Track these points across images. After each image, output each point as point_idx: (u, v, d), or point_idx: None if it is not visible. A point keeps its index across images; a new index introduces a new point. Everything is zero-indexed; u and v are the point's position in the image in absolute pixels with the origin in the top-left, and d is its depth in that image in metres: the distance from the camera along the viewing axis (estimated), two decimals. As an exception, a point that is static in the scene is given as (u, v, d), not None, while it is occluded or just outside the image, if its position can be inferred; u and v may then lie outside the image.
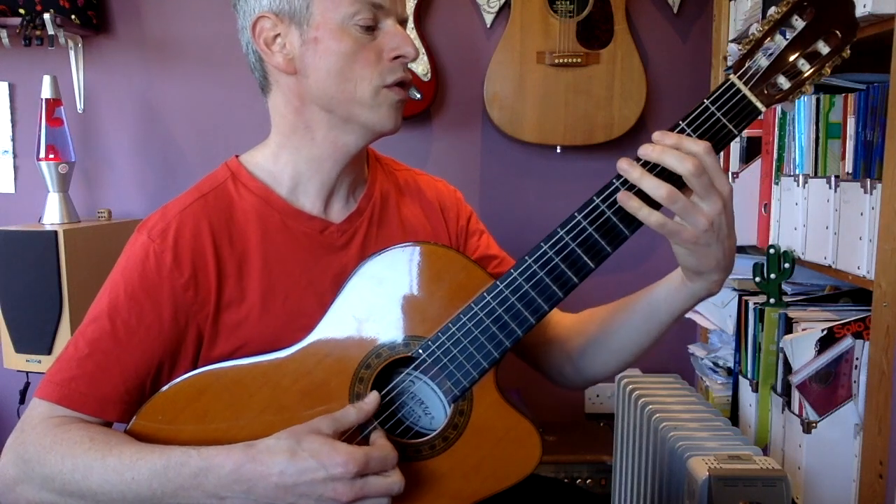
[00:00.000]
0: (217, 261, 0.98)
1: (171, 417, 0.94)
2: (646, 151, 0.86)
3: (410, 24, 2.17)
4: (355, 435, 0.92)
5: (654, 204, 0.86)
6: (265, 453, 0.86)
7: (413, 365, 0.94)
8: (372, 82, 0.98)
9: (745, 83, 0.88)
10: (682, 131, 0.88)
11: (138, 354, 0.96)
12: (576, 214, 0.89)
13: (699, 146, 0.85)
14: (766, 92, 0.88)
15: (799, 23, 0.88)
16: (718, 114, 0.87)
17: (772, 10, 0.90)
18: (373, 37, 0.98)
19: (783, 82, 0.89)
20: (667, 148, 0.86)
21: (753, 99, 0.88)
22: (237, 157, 1.07)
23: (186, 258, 0.97)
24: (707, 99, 0.88)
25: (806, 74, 0.89)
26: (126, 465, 0.88)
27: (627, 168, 0.86)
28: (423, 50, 2.19)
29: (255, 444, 0.88)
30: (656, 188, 0.85)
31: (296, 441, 0.86)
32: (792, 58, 0.88)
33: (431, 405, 0.97)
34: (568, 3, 2.11)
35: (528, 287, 0.90)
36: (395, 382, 0.96)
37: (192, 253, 0.97)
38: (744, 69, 0.88)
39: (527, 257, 0.91)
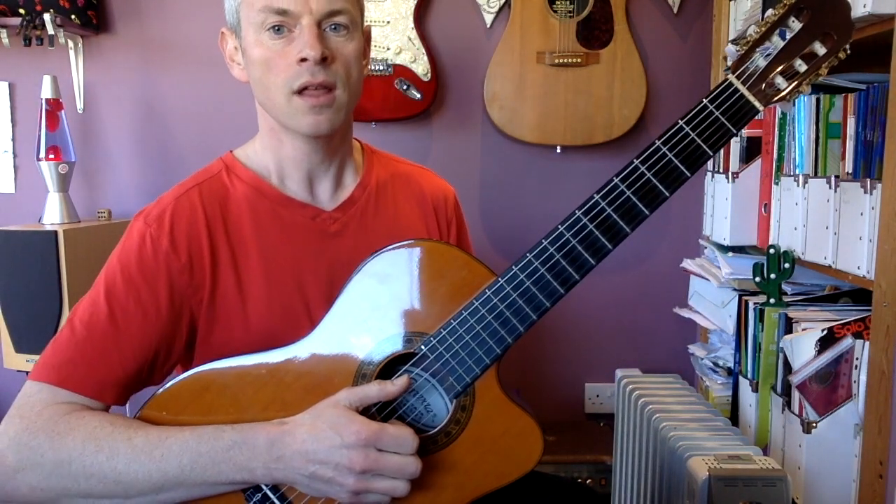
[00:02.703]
0: (211, 246, 1.01)
1: (175, 413, 0.95)
2: None
3: (410, 23, 2.17)
4: None
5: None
6: (293, 425, 0.90)
7: (415, 361, 0.95)
8: (282, 89, 0.98)
9: (743, 83, 0.90)
10: (680, 130, 0.89)
11: (136, 338, 0.97)
12: (576, 212, 0.91)
13: None
14: (763, 91, 0.90)
15: (796, 24, 0.90)
16: (717, 113, 0.89)
17: (769, 11, 0.92)
18: (289, 40, 0.98)
19: (780, 82, 0.90)
20: None
21: (751, 98, 0.90)
22: (231, 151, 1.11)
23: (182, 242, 0.99)
24: (706, 98, 0.90)
25: (803, 74, 0.90)
26: (154, 444, 0.90)
27: None
28: (424, 50, 2.19)
29: (286, 420, 0.92)
30: None
31: (317, 413, 0.90)
32: (789, 58, 0.90)
33: (433, 401, 0.97)
34: (568, 3, 2.11)
35: (530, 283, 0.91)
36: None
37: (188, 237, 1.00)
38: (742, 69, 0.90)
39: (528, 253, 0.92)
